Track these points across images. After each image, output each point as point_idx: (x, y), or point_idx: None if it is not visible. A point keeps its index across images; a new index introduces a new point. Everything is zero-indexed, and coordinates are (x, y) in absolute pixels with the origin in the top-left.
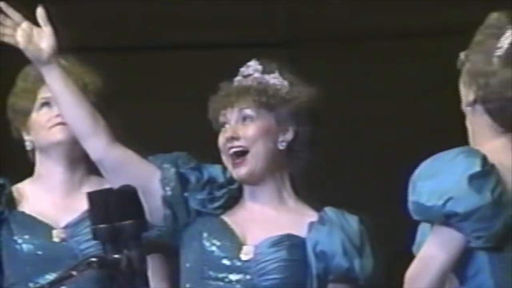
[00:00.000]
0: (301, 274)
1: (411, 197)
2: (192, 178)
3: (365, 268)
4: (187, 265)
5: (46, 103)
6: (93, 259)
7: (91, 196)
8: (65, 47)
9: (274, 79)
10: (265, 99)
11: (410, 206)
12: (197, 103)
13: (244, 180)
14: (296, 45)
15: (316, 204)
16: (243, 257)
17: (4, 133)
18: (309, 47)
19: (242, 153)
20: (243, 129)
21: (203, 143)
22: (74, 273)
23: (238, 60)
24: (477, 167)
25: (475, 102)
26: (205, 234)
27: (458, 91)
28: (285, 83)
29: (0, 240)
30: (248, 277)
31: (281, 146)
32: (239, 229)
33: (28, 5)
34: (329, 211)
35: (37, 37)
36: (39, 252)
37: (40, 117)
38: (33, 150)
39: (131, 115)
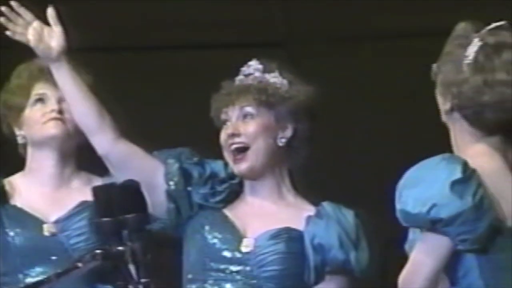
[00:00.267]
0: (299, 266)
1: (397, 206)
2: (195, 173)
3: (361, 261)
4: (190, 256)
5: (40, 99)
6: (98, 251)
7: (96, 190)
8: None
9: (274, 78)
10: (265, 97)
11: (398, 214)
12: (199, 101)
13: (244, 175)
14: (294, 45)
15: (314, 198)
16: (243, 249)
17: None
18: (307, 47)
19: (243, 149)
20: (243, 126)
21: (205, 140)
22: (79, 264)
23: (238, 60)
24: (458, 174)
25: (452, 110)
26: (207, 227)
27: None
28: (285, 82)
29: None
30: (248, 268)
31: (280, 142)
32: (239, 222)
33: (39, 5)
34: (326, 205)
35: (47, 36)
36: (30, 245)
37: (34, 112)
38: (24, 145)
39: (137, 112)
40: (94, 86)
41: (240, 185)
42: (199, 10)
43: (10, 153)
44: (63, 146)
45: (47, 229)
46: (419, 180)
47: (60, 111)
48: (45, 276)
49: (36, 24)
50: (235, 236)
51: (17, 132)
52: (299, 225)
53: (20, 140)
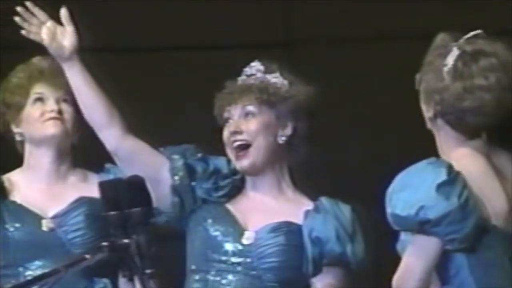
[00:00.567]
0: (297, 258)
1: (388, 210)
2: (199, 169)
3: (357, 253)
4: (193, 248)
5: (39, 99)
6: (105, 243)
7: (103, 185)
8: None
9: (275, 78)
10: (266, 96)
11: (389, 217)
12: (202, 100)
13: (246, 171)
14: (294, 46)
15: (312, 194)
16: (245, 241)
17: None
18: (307, 49)
19: (244, 146)
20: (245, 124)
21: (209, 137)
22: (87, 256)
23: (238, 60)
24: (443, 176)
25: (435, 117)
26: (209, 220)
27: None
28: (285, 82)
29: None
30: (248, 260)
31: (281, 140)
32: (241, 216)
33: (52, 5)
34: (324, 200)
35: (60, 35)
36: (29, 240)
37: (33, 111)
38: (22, 142)
39: (143, 110)
40: (103, 85)
41: (242, 180)
42: (200, 12)
43: (7, 150)
44: (60, 145)
45: (45, 225)
46: (407, 184)
47: (59, 112)
48: (51, 268)
49: (49, 23)
50: (237, 229)
51: (15, 129)
52: (298, 219)
53: (17, 138)
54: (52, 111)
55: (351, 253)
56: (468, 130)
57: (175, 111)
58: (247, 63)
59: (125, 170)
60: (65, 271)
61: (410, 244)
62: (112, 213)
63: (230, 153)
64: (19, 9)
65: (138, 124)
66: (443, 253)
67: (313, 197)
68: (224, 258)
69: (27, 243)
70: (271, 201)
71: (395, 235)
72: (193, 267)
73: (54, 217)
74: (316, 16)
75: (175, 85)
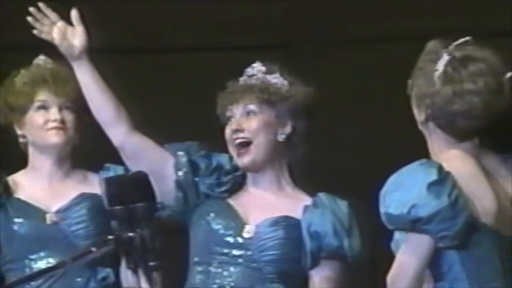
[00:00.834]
0: (296, 251)
1: (382, 210)
2: (202, 165)
3: (353, 247)
4: (196, 241)
5: (43, 106)
6: (110, 236)
7: (108, 181)
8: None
9: (275, 79)
10: (267, 96)
11: (382, 217)
12: (206, 100)
13: (247, 168)
14: (292, 48)
15: (311, 190)
16: (245, 235)
17: None
18: (304, 50)
19: (246, 144)
20: (247, 123)
21: (212, 135)
22: (93, 249)
23: (237, 61)
24: (434, 176)
25: (426, 120)
26: (212, 214)
27: None
28: (285, 82)
29: None
30: (249, 252)
31: (281, 138)
32: (242, 210)
33: (63, 6)
34: (322, 196)
35: (70, 35)
36: (34, 233)
37: (37, 118)
38: (25, 143)
39: (150, 109)
40: (110, 84)
41: (243, 177)
42: (199, 14)
43: (12, 152)
44: (61, 151)
45: (49, 218)
46: (400, 184)
47: (62, 121)
48: (58, 260)
49: (60, 24)
50: (238, 223)
51: (18, 131)
52: (297, 214)
53: (21, 139)
54: (55, 120)
55: (347, 246)
56: (458, 133)
57: (179, 110)
58: (248, 64)
59: (131, 165)
60: (72, 263)
61: (404, 242)
62: (117, 207)
63: (232, 150)
64: (31, 9)
65: (144, 121)
66: (436, 251)
67: (312, 193)
68: (225, 250)
69: (32, 236)
70: (271, 197)
71: (390, 233)
72: (196, 259)
73: (57, 212)
74: (314, 17)
75: (179, 85)
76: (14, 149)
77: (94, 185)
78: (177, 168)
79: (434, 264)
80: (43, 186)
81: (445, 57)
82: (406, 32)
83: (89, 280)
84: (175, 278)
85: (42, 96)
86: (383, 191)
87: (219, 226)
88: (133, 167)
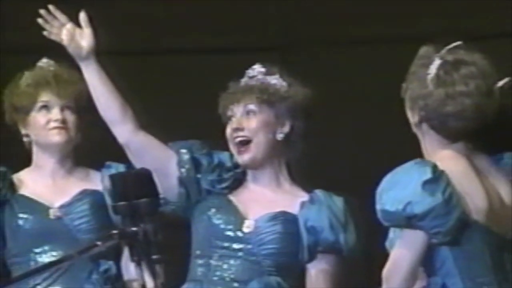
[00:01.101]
0: (294, 245)
1: (378, 207)
2: (204, 162)
3: (349, 242)
4: (197, 235)
5: (45, 106)
6: (115, 231)
7: (112, 177)
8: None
9: (275, 80)
10: (266, 96)
11: (379, 214)
12: (208, 100)
13: (247, 165)
14: (289, 50)
15: (308, 187)
16: (245, 229)
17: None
18: (301, 51)
19: (246, 142)
20: (247, 122)
21: (213, 134)
22: (98, 243)
23: (238, 63)
24: (428, 174)
25: (420, 122)
26: (213, 210)
27: None
28: (284, 83)
29: (3, 218)
30: (249, 246)
31: (279, 137)
32: (242, 206)
33: (73, 8)
34: (318, 192)
35: (78, 36)
36: (38, 228)
37: (39, 118)
38: (29, 142)
39: (154, 109)
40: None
41: (243, 174)
42: (202, 17)
43: (16, 152)
44: (63, 150)
45: (53, 213)
46: (395, 183)
47: (64, 121)
48: (64, 254)
49: (69, 25)
50: (238, 218)
51: (23, 131)
52: (294, 209)
53: (25, 138)
54: (56, 120)
55: (343, 241)
56: (450, 134)
57: (182, 109)
58: (248, 66)
59: (135, 162)
60: (78, 256)
61: (399, 238)
62: (121, 203)
63: (233, 148)
64: (42, 11)
65: (148, 120)
66: (429, 247)
67: (309, 189)
68: (226, 244)
69: (36, 230)
70: (269, 193)
71: (384, 231)
72: (197, 252)
73: (60, 207)
74: (311, 20)
75: (181, 86)
76: (17, 149)
77: (95, 182)
78: (180, 165)
79: (427, 260)
80: (47, 183)
81: (437, 61)
82: (403, 34)
83: (92, 272)
84: (177, 271)
85: (45, 97)
86: (380, 189)
87: (220, 221)
88: (138, 164)
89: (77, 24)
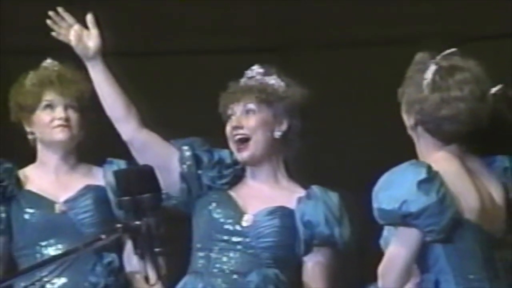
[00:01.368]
0: (291, 238)
1: (374, 205)
2: (205, 159)
3: (343, 235)
4: (198, 229)
5: (49, 105)
6: (119, 225)
7: (117, 174)
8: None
9: (273, 80)
10: (265, 96)
11: (375, 212)
12: (208, 99)
13: (246, 162)
14: (287, 51)
15: (305, 183)
16: (244, 223)
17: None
18: (299, 53)
19: (245, 140)
20: (246, 120)
21: (214, 132)
22: (102, 236)
23: (236, 63)
24: (423, 174)
25: (416, 125)
26: (213, 205)
27: None
28: (282, 84)
29: (10, 213)
30: (247, 239)
31: (277, 135)
32: (241, 201)
33: (80, 10)
34: (315, 188)
35: (86, 37)
36: (44, 222)
37: (44, 116)
38: (34, 140)
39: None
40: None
41: (243, 170)
42: (202, 20)
43: (21, 148)
44: (67, 147)
45: (58, 208)
46: (392, 182)
47: (67, 119)
48: (71, 247)
49: (77, 27)
50: (237, 212)
51: (28, 129)
52: (291, 204)
53: (30, 136)
54: (60, 118)
55: (338, 235)
56: (445, 137)
57: (184, 108)
58: (247, 66)
59: (139, 158)
60: (84, 249)
61: (394, 236)
62: (125, 198)
63: (232, 146)
64: (51, 13)
65: (152, 119)
66: (423, 245)
67: (305, 185)
68: (225, 237)
69: (42, 224)
70: (267, 189)
71: (379, 226)
72: (198, 245)
73: (65, 202)
74: (308, 22)
75: (183, 85)
76: (20, 149)
77: (97, 177)
78: (182, 161)
79: (421, 257)
80: (51, 179)
81: (433, 67)
82: (399, 36)
83: (96, 265)
84: (179, 263)
85: (49, 96)
86: (376, 188)
87: (220, 215)
88: (141, 160)
89: (84, 25)
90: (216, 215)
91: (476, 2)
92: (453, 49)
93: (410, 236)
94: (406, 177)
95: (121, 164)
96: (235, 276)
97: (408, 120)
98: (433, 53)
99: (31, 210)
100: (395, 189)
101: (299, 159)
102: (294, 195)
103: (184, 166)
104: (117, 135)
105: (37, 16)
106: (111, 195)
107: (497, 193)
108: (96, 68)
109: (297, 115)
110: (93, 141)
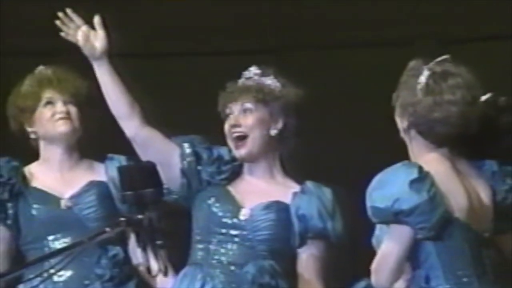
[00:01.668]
0: (286, 231)
1: (368, 204)
2: (205, 155)
3: (336, 229)
4: (198, 222)
5: (49, 102)
6: (122, 218)
7: (120, 169)
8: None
9: (270, 80)
10: (262, 96)
11: (368, 211)
12: (207, 99)
13: (244, 158)
14: (284, 53)
15: (299, 178)
16: (241, 217)
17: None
18: (295, 55)
19: (242, 138)
20: (243, 119)
21: (213, 129)
22: (107, 229)
23: (234, 65)
24: (415, 174)
25: (409, 127)
26: (212, 199)
27: None
28: (278, 84)
29: (17, 209)
30: (245, 232)
31: (273, 133)
32: (239, 196)
33: (88, 11)
34: (309, 184)
35: (93, 38)
36: (51, 217)
37: (45, 112)
38: (36, 139)
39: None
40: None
41: (240, 166)
42: (202, 21)
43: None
44: (69, 140)
45: (63, 204)
46: (385, 182)
47: (67, 112)
48: (76, 240)
49: (84, 27)
50: (235, 206)
51: (29, 129)
52: (287, 199)
53: (32, 136)
54: (61, 112)
55: (331, 228)
56: (437, 139)
57: (184, 107)
58: (245, 67)
59: (141, 154)
60: (89, 242)
61: (387, 234)
62: (128, 193)
63: (230, 143)
64: (60, 14)
65: (154, 116)
66: (414, 242)
67: (300, 181)
68: (224, 230)
69: (49, 220)
70: (264, 184)
71: (371, 222)
72: (197, 238)
73: (70, 198)
74: (305, 24)
75: (184, 85)
76: (20, 149)
77: (100, 173)
78: (183, 157)
79: (412, 254)
80: (55, 176)
81: (427, 72)
82: (394, 37)
83: (101, 257)
84: (179, 255)
85: (48, 93)
86: (370, 188)
87: (218, 209)
88: (144, 156)
89: (92, 26)
90: (215, 209)
91: (475, 2)
92: (445, 56)
93: (402, 233)
94: (399, 177)
95: (122, 159)
96: (232, 267)
97: (401, 123)
98: (427, 60)
99: (38, 206)
100: (388, 188)
101: (295, 156)
102: (289, 190)
103: (185, 162)
104: (116, 132)
105: (37, 17)
106: (113, 190)
107: (485, 194)
108: (102, 68)
109: (292, 114)
110: (93, 137)
